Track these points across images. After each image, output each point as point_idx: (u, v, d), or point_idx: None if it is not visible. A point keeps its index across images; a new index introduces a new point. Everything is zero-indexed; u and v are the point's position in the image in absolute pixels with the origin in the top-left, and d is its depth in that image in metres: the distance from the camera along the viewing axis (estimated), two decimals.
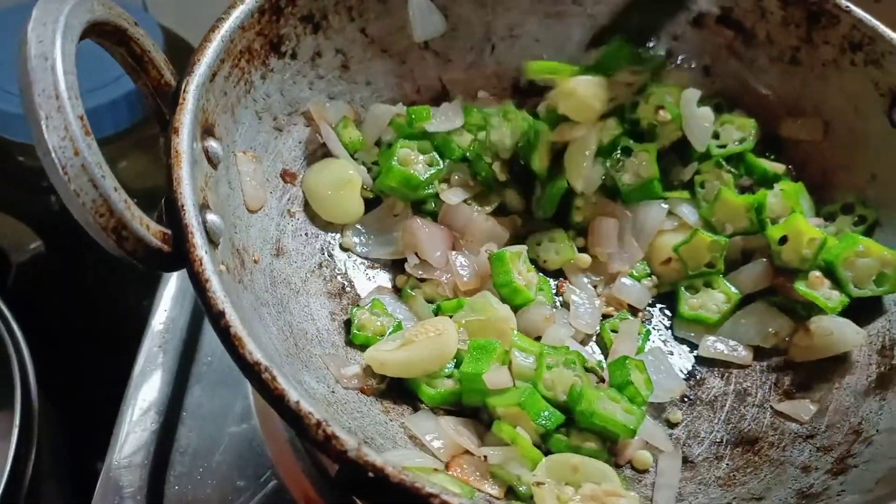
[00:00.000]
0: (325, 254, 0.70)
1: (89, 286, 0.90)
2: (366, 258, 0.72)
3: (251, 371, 0.46)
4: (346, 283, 0.70)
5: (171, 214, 0.51)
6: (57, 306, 0.89)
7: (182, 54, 0.63)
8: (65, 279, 0.88)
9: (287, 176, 0.70)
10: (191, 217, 0.51)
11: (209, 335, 0.76)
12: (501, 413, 0.60)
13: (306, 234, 0.69)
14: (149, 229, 0.50)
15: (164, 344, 0.75)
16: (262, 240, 0.64)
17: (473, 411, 0.62)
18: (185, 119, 0.55)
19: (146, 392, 0.72)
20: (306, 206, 0.70)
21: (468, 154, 0.74)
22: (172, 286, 0.79)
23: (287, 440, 0.70)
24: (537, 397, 0.61)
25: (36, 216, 0.82)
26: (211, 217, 0.55)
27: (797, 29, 0.75)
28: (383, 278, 0.72)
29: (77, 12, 0.49)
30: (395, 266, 0.72)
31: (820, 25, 0.74)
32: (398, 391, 0.63)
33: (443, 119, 0.74)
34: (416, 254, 0.70)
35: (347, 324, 0.66)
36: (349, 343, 0.65)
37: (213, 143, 0.59)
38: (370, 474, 0.44)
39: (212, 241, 0.54)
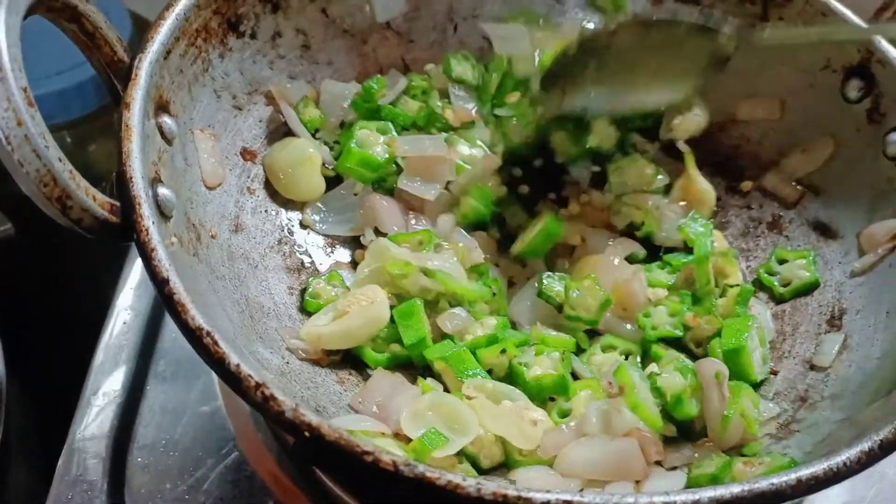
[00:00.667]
0: (285, 231, 0.71)
1: (60, 268, 0.91)
2: (325, 235, 0.72)
3: (193, 336, 0.48)
4: (305, 258, 0.71)
5: (120, 187, 0.53)
6: (27, 288, 0.90)
7: None
8: (35, 261, 0.89)
9: (247, 154, 0.70)
10: (139, 189, 0.52)
11: None
12: (438, 367, 0.62)
13: (266, 211, 0.70)
14: (95, 200, 0.51)
15: (129, 321, 0.76)
16: (219, 216, 0.65)
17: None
18: (137, 94, 0.56)
19: (110, 366, 0.73)
20: (266, 184, 0.71)
21: (417, 121, 0.75)
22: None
23: (249, 415, 0.71)
24: (465, 355, 0.62)
25: (5, 199, 0.83)
26: (163, 191, 0.56)
27: (753, 6, 0.76)
28: (342, 254, 0.73)
29: None
30: (355, 242, 0.73)
31: (776, 3, 0.75)
32: (353, 362, 0.64)
33: (388, 90, 0.75)
34: (375, 228, 0.71)
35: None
36: (305, 314, 0.66)
37: (167, 120, 0.60)
38: (306, 434, 0.45)
39: (163, 215, 0.56)
